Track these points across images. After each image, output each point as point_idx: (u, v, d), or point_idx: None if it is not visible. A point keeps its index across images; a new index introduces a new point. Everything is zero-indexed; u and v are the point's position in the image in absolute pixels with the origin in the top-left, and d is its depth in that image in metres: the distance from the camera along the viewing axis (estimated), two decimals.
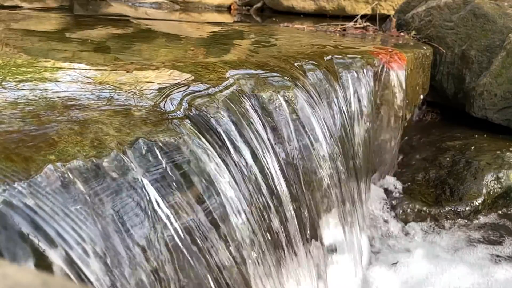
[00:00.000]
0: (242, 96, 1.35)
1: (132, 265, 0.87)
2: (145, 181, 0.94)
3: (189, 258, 0.99)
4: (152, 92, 1.20)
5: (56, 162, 0.82)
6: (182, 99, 1.19)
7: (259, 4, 5.11)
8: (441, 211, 2.01)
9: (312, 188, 1.50)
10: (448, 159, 2.21)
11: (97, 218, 0.83)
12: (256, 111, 1.36)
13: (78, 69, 1.40)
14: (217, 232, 1.07)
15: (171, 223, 0.96)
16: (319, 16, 4.47)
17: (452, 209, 2.01)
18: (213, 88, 1.30)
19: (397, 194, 2.09)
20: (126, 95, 1.16)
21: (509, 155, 2.13)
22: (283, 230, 1.32)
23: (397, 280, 1.72)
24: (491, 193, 2.03)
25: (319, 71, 1.70)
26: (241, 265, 1.13)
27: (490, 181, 2.05)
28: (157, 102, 1.14)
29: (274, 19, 4.28)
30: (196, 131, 1.11)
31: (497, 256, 1.83)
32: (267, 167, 1.30)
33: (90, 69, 1.41)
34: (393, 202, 2.05)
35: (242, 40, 2.44)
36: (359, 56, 1.94)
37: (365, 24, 3.05)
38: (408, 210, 2.01)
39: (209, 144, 1.12)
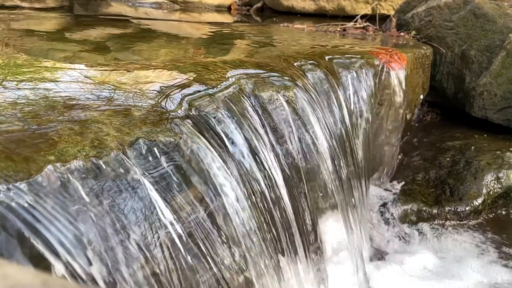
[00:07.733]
0: (242, 96, 1.35)
1: (132, 266, 0.87)
2: (145, 181, 0.94)
3: (189, 258, 0.99)
4: (152, 92, 1.20)
5: (56, 162, 0.82)
6: (182, 99, 1.19)
7: (259, 4, 5.11)
8: (441, 211, 2.01)
9: (312, 188, 1.50)
10: (448, 159, 2.20)
11: (96, 218, 0.83)
12: (256, 111, 1.36)
13: (78, 69, 1.40)
14: (217, 232, 1.07)
15: (171, 223, 0.96)
16: (319, 16, 4.48)
17: (452, 209, 2.01)
18: (213, 88, 1.30)
19: (397, 194, 2.09)
20: (126, 95, 1.16)
21: (509, 155, 2.13)
22: (283, 230, 1.32)
23: (397, 280, 1.72)
24: (491, 193, 2.03)
25: (319, 71, 1.70)
26: (241, 266, 1.13)
27: (490, 181, 2.05)
28: (157, 102, 1.14)
29: (274, 19, 4.28)
30: (196, 131, 1.11)
31: (498, 256, 1.82)
32: (267, 167, 1.30)
33: (90, 69, 1.41)
34: (393, 202, 2.05)
35: (242, 40, 2.44)
36: (359, 56, 1.94)
37: (365, 24, 3.05)
38: (408, 210, 2.01)
39: (209, 144, 1.12)
